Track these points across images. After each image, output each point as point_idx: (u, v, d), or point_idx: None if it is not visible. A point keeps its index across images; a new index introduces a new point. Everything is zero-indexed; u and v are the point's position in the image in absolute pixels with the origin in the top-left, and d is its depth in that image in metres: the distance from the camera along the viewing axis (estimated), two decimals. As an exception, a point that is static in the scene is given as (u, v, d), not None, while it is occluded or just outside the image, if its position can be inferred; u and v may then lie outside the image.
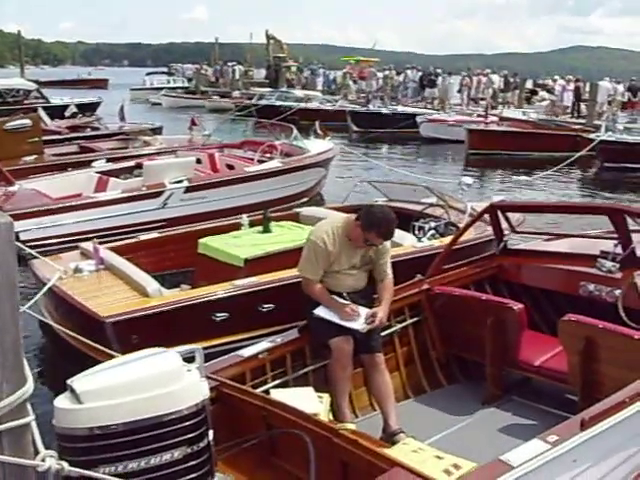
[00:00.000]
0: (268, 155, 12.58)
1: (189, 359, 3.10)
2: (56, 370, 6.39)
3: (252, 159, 12.43)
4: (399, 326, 5.67)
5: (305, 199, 12.68)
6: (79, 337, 5.31)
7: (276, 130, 14.91)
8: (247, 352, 4.69)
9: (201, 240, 7.29)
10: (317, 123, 15.87)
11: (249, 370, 4.63)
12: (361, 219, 4.90)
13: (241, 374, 4.53)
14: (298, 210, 8.98)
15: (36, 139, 14.76)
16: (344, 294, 5.03)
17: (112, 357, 5.32)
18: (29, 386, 1.97)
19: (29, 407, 2.05)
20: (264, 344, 4.86)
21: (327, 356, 4.97)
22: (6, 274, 1.79)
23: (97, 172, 11.97)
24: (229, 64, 53.39)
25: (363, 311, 4.93)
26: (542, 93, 39.77)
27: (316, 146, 13.60)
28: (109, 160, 13.34)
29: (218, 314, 6.15)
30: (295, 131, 13.78)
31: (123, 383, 2.70)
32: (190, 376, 2.89)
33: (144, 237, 8.07)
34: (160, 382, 2.73)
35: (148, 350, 2.96)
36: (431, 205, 8.77)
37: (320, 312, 4.95)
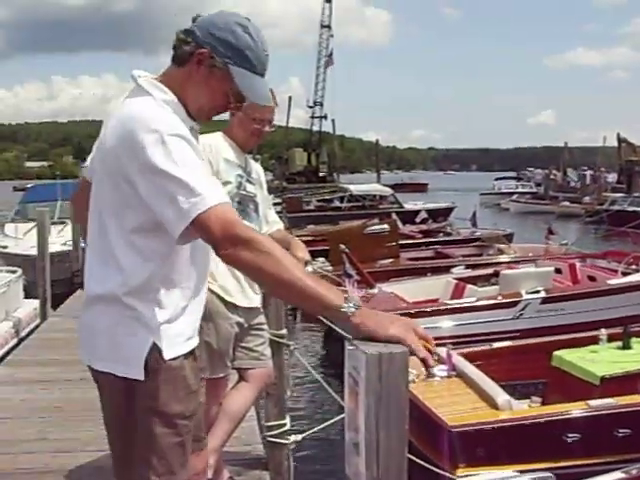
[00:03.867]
0: (634, 267, 11.83)
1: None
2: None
3: (616, 270, 11.79)
4: None
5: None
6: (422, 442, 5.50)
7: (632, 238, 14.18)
8: None
9: (556, 353, 7.12)
10: None
11: None
12: None
13: None
14: (662, 326, 8.40)
15: (393, 243, 15.62)
16: None
17: (456, 467, 5.47)
18: None
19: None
20: (616, 474, 4.62)
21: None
22: (397, 403, 1.79)
23: (455, 278, 12.16)
24: (581, 169, 52.64)
25: None
26: None
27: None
28: (467, 267, 13.48)
29: (569, 434, 5.87)
30: (663, 242, 12.98)
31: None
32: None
33: (497, 345, 8.05)
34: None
35: (499, 472, 2.96)
36: None
37: None
